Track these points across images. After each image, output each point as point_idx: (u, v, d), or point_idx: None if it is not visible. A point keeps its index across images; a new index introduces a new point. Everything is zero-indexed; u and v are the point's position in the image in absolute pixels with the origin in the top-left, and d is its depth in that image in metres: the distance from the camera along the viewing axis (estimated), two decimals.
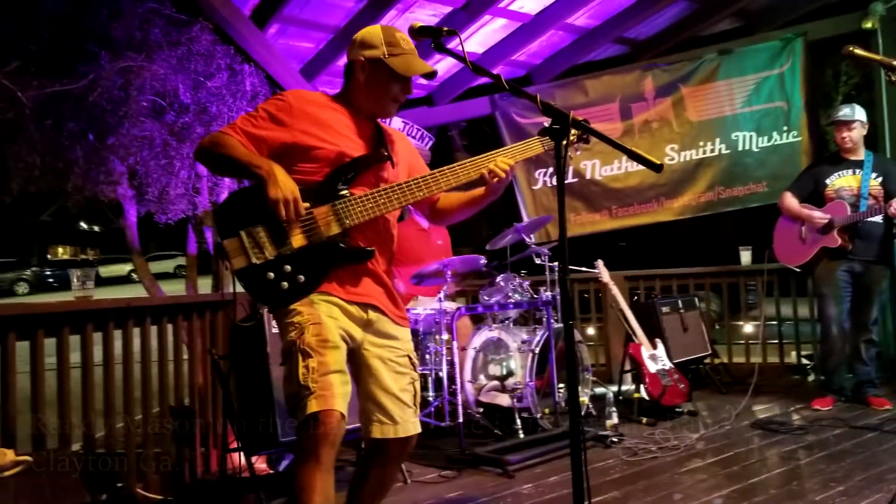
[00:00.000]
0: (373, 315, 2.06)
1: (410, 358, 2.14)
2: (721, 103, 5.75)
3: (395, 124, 5.84)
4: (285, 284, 1.93)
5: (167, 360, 3.48)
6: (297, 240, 1.94)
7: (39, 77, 4.96)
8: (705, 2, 5.60)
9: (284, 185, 1.88)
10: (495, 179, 2.07)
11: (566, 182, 6.07)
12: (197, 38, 5.13)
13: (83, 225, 39.47)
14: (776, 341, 5.65)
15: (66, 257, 42.17)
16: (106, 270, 29.94)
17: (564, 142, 1.69)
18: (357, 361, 2.08)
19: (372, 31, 2.09)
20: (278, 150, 2.00)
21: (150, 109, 5.27)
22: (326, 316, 1.94)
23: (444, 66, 5.95)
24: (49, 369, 2.74)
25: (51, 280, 27.69)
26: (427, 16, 5.09)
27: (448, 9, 5.03)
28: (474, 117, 6.90)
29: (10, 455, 1.76)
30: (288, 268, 1.93)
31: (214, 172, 2.05)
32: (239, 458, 3.30)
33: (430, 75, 2.10)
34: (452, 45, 1.95)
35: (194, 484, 3.53)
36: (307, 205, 1.94)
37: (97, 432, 3.00)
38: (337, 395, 1.84)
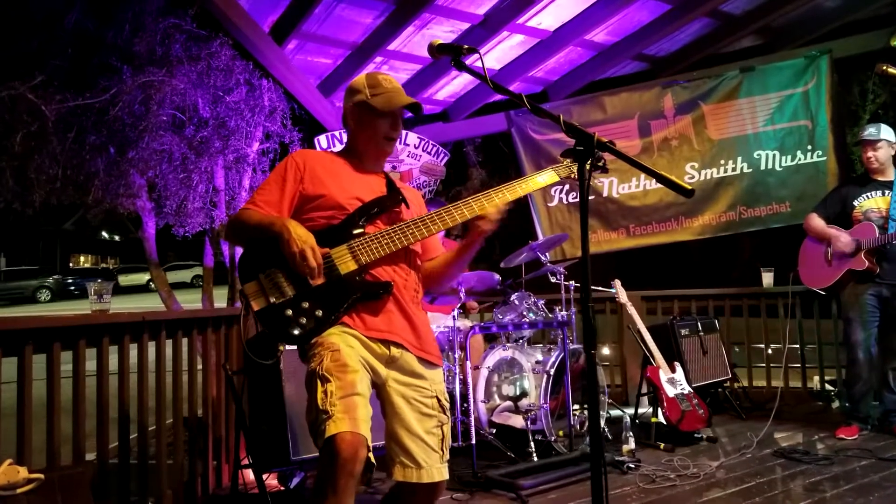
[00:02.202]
0: (395, 351, 2.03)
1: (440, 400, 2.08)
2: (743, 121, 5.68)
3: (411, 140, 5.84)
4: (304, 320, 1.94)
5: (181, 373, 3.47)
6: (316, 280, 1.96)
7: (62, 91, 5.02)
8: (727, 19, 5.55)
9: (299, 237, 1.92)
10: (480, 224, 2.08)
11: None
12: (216, 53, 5.16)
13: (104, 234, 40.01)
14: (798, 365, 5.53)
15: (87, 266, 42.84)
16: (125, 279, 30.32)
17: (588, 164, 1.64)
18: (382, 398, 2.06)
19: (356, 80, 2.21)
20: (297, 204, 2.08)
21: (169, 123, 5.30)
22: (346, 345, 1.93)
23: (461, 82, 5.96)
24: (65, 377, 2.73)
25: (72, 288, 28.03)
26: (444, 32, 5.09)
27: (466, 25, 5.03)
28: (490, 133, 6.89)
29: (23, 472, 1.75)
30: (306, 304, 1.96)
31: (242, 245, 2.08)
32: (251, 474, 3.28)
33: (414, 107, 2.16)
34: (472, 60, 1.92)
35: (206, 498, 3.52)
36: (326, 249, 1.98)
37: (111, 443, 2.99)
38: (355, 418, 1.79)
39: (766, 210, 5.63)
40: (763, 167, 5.63)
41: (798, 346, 5.38)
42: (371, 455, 1.81)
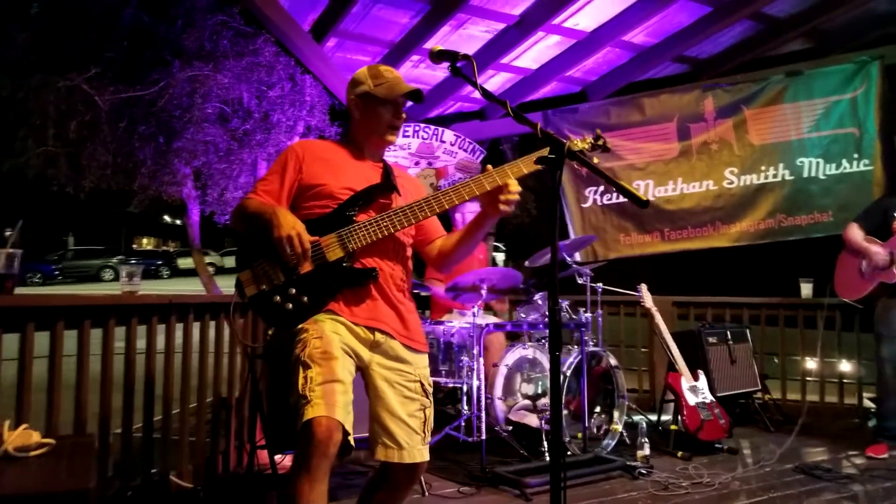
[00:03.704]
0: (380, 337, 2.09)
1: (423, 384, 2.14)
2: (786, 127, 5.54)
3: (447, 137, 5.90)
4: (290, 306, 2.02)
5: (207, 354, 3.62)
6: (304, 266, 2.04)
7: (116, 83, 5.28)
8: (771, 21, 5.41)
9: (286, 223, 1.98)
10: (503, 198, 2.03)
11: (617, 201, 6.01)
12: (260, 49, 5.34)
13: (167, 218, 41.38)
14: (836, 380, 5.38)
15: (149, 248, 44.42)
16: (184, 262, 31.30)
17: (559, 172, 1.67)
18: (366, 381, 2.12)
19: (358, 72, 2.26)
20: (295, 193, 2.15)
21: (215, 116, 5.51)
22: (330, 331, 2.00)
23: (497, 81, 5.99)
24: (94, 353, 2.89)
25: (131, 263, 29.11)
26: (480, 32, 5.13)
27: (501, 25, 5.05)
28: (527, 132, 6.87)
29: (35, 437, 1.88)
30: (293, 291, 2.03)
31: (242, 231, 2.17)
32: (267, 455, 3.41)
33: (415, 95, 2.19)
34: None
35: (226, 476, 3.66)
36: (315, 238, 2.04)
37: (136, 420, 3.14)
38: (331, 403, 1.85)
39: (807, 219, 5.48)
40: (806, 175, 5.48)
41: (835, 360, 5.23)
42: (351, 438, 1.89)
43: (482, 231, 2.18)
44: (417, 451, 2.07)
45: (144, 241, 46.19)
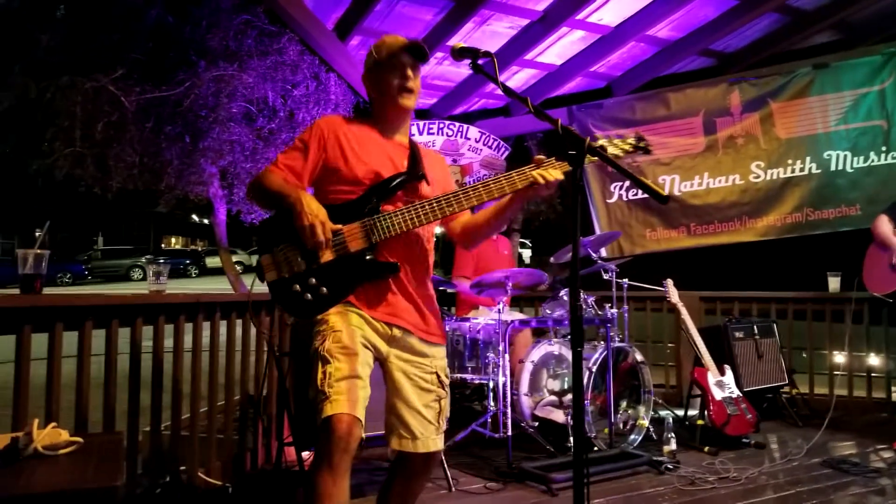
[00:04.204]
0: (397, 332, 2.09)
1: (439, 376, 2.15)
2: (813, 120, 5.46)
3: (472, 134, 5.90)
4: (309, 296, 2.00)
5: (234, 352, 3.65)
6: (326, 255, 2.02)
7: (142, 83, 5.35)
8: (798, 14, 5.32)
9: (310, 211, 1.96)
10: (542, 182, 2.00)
11: (643, 196, 5.97)
12: (285, 48, 5.38)
13: (195, 217, 41.88)
14: (864, 374, 5.30)
15: (177, 247, 45.02)
16: (212, 261, 31.74)
17: (579, 169, 1.66)
18: (384, 371, 2.13)
19: (369, 50, 2.23)
20: (318, 174, 2.12)
21: (240, 115, 5.57)
22: (350, 325, 1.99)
23: (521, 77, 5.96)
24: (121, 353, 2.93)
25: (160, 260, 29.51)
26: (504, 28, 5.11)
27: (525, 21, 5.03)
28: (551, 128, 6.84)
29: (64, 435, 1.90)
30: (313, 280, 2.01)
31: (262, 207, 2.17)
32: (294, 452, 3.44)
33: (415, 50, 2.13)
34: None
35: (254, 473, 3.70)
36: (339, 226, 2.02)
37: (165, 418, 3.18)
38: (351, 399, 1.87)
39: (834, 212, 5.41)
40: (833, 168, 5.40)
41: (864, 353, 5.16)
42: (363, 433, 1.90)
43: (511, 212, 2.14)
44: (432, 440, 2.09)
45: (173, 240, 46.82)
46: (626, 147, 2.08)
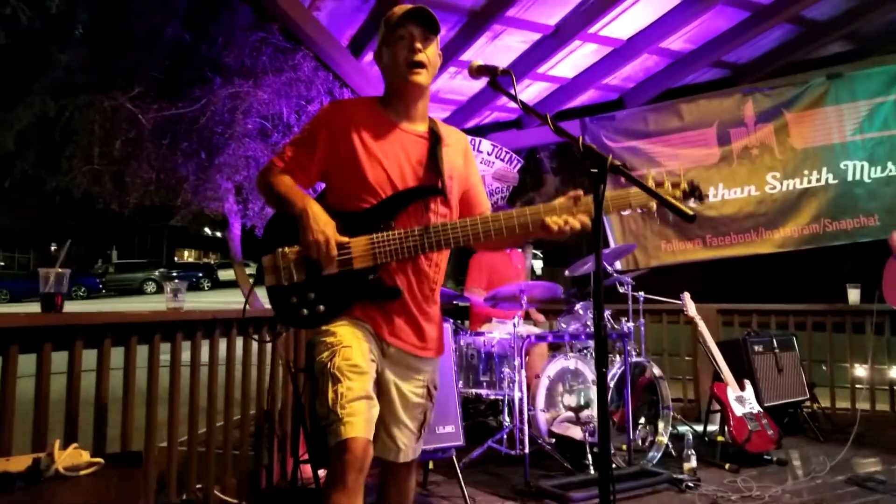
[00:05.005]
0: (393, 350, 2.05)
1: (429, 388, 2.13)
2: (829, 130, 5.42)
3: (484, 147, 5.90)
4: (305, 311, 1.95)
5: (250, 368, 3.66)
6: (329, 268, 1.94)
7: (158, 101, 5.41)
8: (811, 25, 5.31)
9: (317, 225, 1.90)
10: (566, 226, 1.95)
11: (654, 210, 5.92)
12: (299, 65, 5.42)
13: (207, 231, 42.17)
14: (886, 388, 5.22)
15: (190, 260, 45.34)
16: (224, 274, 31.93)
17: (602, 185, 1.65)
18: (377, 383, 2.07)
19: (379, 27, 2.07)
20: (329, 166, 2.02)
21: (255, 131, 5.61)
22: (358, 339, 1.94)
23: (535, 90, 5.97)
24: (140, 367, 2.94)
25: (177, 280, 29.70)
26: (517, 42, 5.12)
27: (537, 35, 5.04)
28: (564, 140, 6.84)
29: (85, 456, 1.91)
30: (312, 295, 1.95)
31: (268, 204, 2.13)
32: (310, 469, 3.43)
33: (420, 15, 1.96)
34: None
35: (269, 491, 3.69)
36: (346, 239, 1.94)
37: (181, 434, 3.19)
38: (365, 419, 1.85)
39: (852, 223, 5.35)
40: (850, 178, 5.36)
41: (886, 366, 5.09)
42: None
43: (526, 237, 2.12)
44: (412, 450, 2.11)
45: (186, 253, 47.13)
46: (677, 194, 1.95)
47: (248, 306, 2.42)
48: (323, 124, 2.01)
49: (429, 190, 2.02)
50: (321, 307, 1.96)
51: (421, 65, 1.97)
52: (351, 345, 1.92)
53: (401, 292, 2.00)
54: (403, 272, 2.01)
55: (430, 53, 2.00)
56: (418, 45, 1.97)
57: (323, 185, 2.12)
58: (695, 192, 1.98)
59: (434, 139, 2.06)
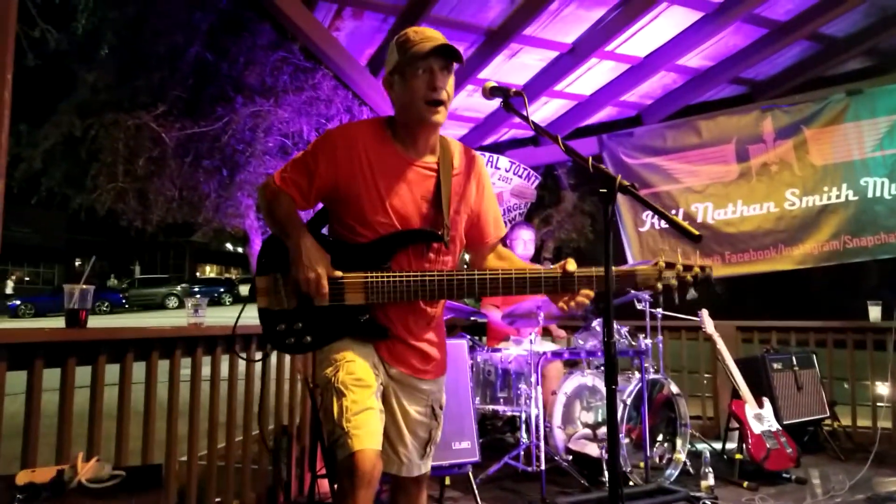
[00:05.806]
0: (395, 372, 2.06)
1: (434, 409, 2.13)
2: (849, 147, 5.39)
3: (502, 164, 5.94)
4: (291, 340, 1.96)
5: (269, 383, 3.69)
6: (320, 302, 1.92)
7: (181, 119, 5.51)
8: (830, 41, 5.31)
9: (309, 262, 1.87)
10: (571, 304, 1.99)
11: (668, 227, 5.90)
12: (319, 84, 5.50)
13: (229, 246, 42.56)
14: None
15: (212, 275, 45.82)
16: (245, 289, 32.14)
17: (611, 206, 1.68)
18: (382, 398, 2.08)
19: (390, 47, 1.96)
20: (328, 192, 1.97)
21: (277, 149, 5.69)
22: (359, 355, 1.95)
23: (552, 107, 6.02)
24: (161, 381, 2.99)
25: (198, 295, 30.04)
26: (535, 60, 5.18)
27: (554, 53, 5.09)
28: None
29: (107, 468, 1.96)
30: (299, 325, 1.95)
31: (264, 221, 2.15)
32: (328, 484, 3.45)
33: (449, 52, 1.86)
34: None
35: None
36: (339, 274, 1.91)
37: (201, 448, 3.23)
38: (371, 432, 1.86)
39: (873, 240, 5.30)
40: (870, 195, 5.32)
41: None
42: None
43: (532, 300, 2.19)
44: (416, 465, 2.11)
45: (207, 268, 47.64)
46: (688, 277, 2.04)
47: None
48: (326, 149, 1.95)
49: (429, 236, 1.98)
50: (308, 338, 1.96)
51: (441, 103, 1.90)
52: (354, 359, 1.93)
53: (388, 333, 1.99)
54: (399, 309, 2.01)
55: (450, 88, 1.93)
56: (439, 84, 1.88)
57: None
58: (705, 270, 2.06)
59: (442, 171, 1.99)
